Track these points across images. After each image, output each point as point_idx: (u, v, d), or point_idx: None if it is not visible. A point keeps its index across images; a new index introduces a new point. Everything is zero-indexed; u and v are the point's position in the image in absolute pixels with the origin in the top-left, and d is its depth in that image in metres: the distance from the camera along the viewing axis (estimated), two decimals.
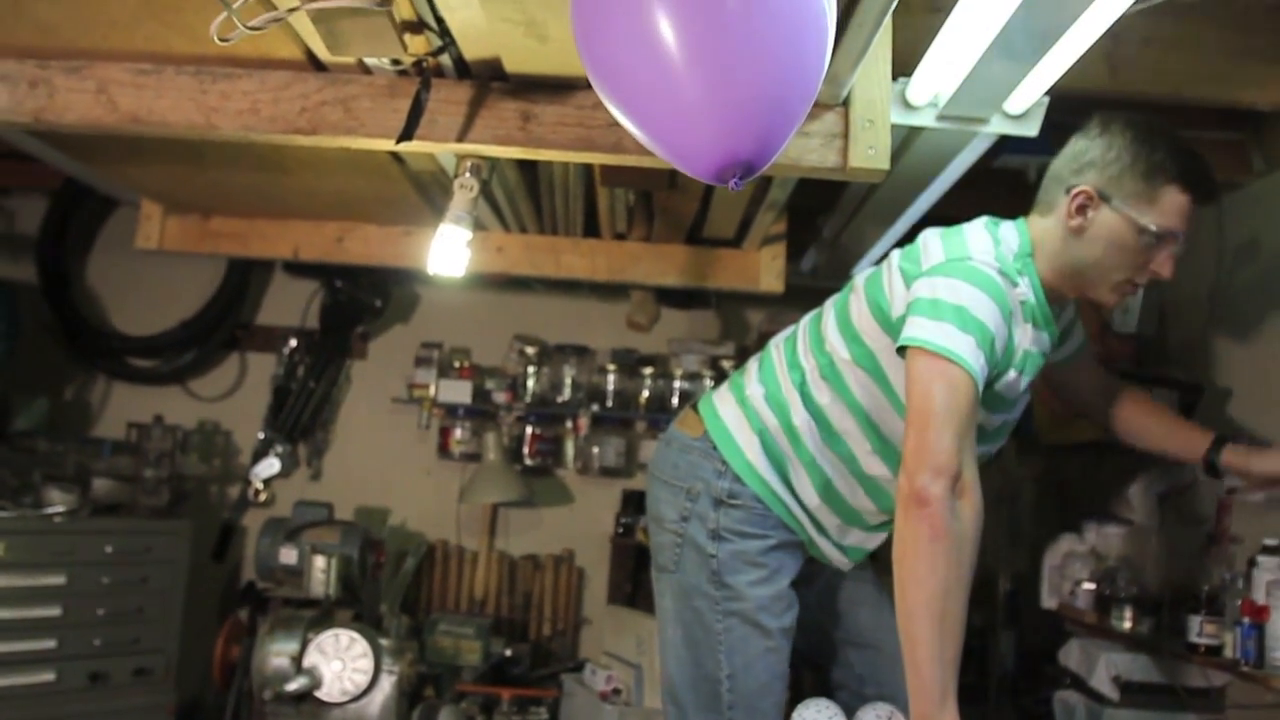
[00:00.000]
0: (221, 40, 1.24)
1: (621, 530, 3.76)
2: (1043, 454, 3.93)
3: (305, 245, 2.91)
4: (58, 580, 3.16)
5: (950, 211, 2.76)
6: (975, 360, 1.53)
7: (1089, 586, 3.21)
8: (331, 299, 3.75)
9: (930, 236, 1.74)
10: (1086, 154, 1.70)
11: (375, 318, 3.86)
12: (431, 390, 3.75)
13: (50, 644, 3.12)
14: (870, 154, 1.67)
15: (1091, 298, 1.76)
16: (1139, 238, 1.64)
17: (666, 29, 1.02)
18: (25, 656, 3.07)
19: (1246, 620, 2.41)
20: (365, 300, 3.69)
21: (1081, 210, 1.66)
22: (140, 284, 4.05)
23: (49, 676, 3.12)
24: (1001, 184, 2.93)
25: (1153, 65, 2.33)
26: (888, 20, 1.63)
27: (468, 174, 1.85)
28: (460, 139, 1.69)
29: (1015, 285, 1.65)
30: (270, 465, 3.85)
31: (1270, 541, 2.54)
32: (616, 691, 2.96)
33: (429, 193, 2.52)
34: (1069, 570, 3.39)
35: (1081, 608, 3.21)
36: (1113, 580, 3.19)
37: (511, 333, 3.91)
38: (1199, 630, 2.59)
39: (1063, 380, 2.14)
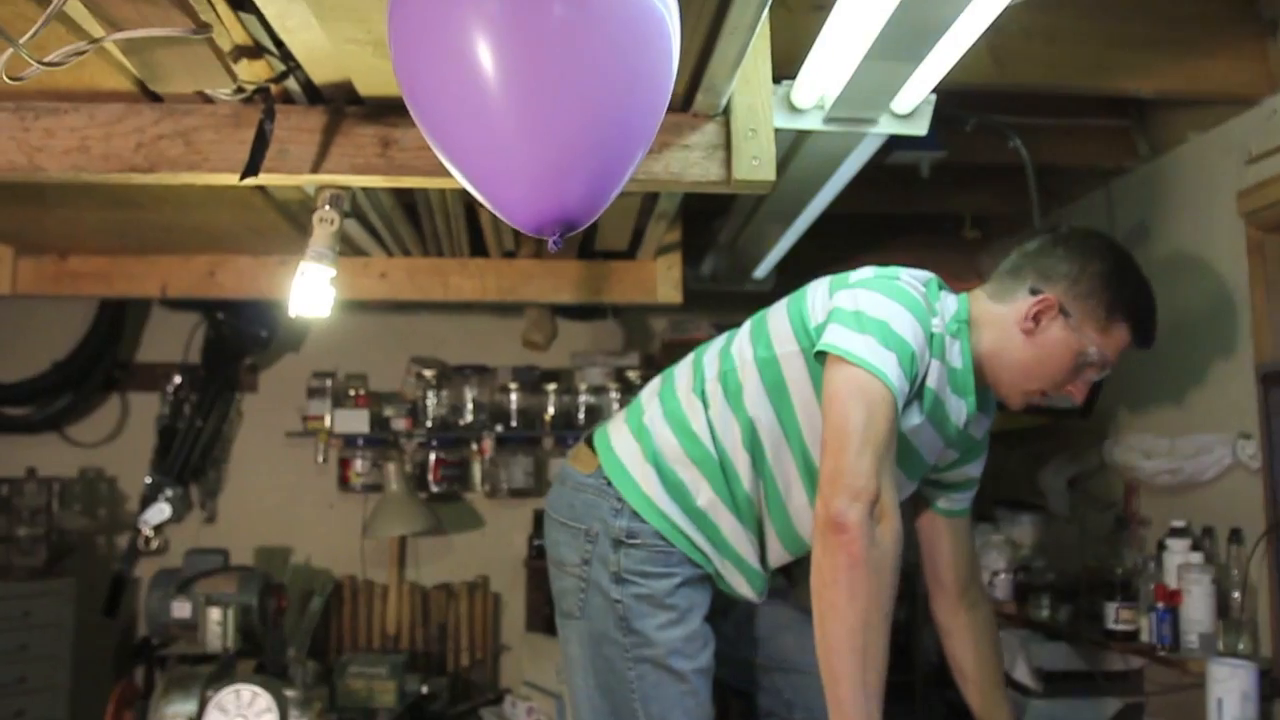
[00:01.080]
0: (12, 79, 1.10)
1: (535, 552, 3.64)
2: None
3: (174, 281, 2.72)
4: None
5: (848, 208, 2.74)
6: (896, 378, 1.48)
7: (1006, 576, 3.22)
8: (214, 332, 3.55)
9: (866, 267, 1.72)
10: (1061, 264, 1.67)
11: (263, 349, 3.67)
12: (327, 421, 3.58)
13: None
14: (754, 165, 1.59)
15: (1000, 394, 1.74)
16: (1077, 358, 1.64)
17: (487, 80, 0.93)
18: None
19: (1160, 605, 2.42)
20: (250, 331, 3.50)
21: (1038, 316, 1.64)
22: (3, 327, 3.79)
23: None
24: (895, 179, 2.91)
25: (1037, 57, 2.32)
26: (765, 24, 1.56)
27: (327, 206, 1.71)
28: (315, 170, 1.56)
29: (934, 314, 1.63)
30: (160, 511, 3.62)
31: (1177, 524, 2.56)
32: None
33: (299, 220, 2.37)
34: (986, 561, 3.39)
35: (1001, 598, 3.21)
36: (1029, 569, 3.20)
37: (408, 355, 3.77)
38: (1115, 617, 2.60)
39: (928, 526, 1.96)
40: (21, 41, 1.02)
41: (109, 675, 3.65)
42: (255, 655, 3.04)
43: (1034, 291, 1.65)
